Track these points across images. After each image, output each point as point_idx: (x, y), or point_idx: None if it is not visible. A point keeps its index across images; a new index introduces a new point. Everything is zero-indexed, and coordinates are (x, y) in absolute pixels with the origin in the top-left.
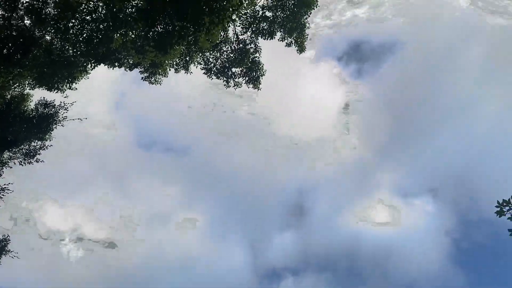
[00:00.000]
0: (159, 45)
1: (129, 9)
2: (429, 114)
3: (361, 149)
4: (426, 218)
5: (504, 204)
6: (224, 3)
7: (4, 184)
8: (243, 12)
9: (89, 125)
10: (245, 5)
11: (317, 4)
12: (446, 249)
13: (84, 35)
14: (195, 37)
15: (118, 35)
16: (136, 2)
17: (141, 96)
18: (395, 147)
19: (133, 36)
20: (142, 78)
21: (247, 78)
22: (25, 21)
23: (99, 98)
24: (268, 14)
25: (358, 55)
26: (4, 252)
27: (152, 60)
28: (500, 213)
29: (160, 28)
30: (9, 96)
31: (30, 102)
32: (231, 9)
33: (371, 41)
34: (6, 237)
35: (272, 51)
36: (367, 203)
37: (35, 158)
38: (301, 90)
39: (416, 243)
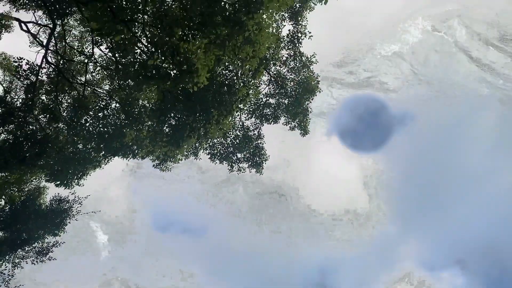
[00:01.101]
0: (171, 140)
1: (140, 108)
2: (447, 184)
3: (382, 221)
4: None
5: None
6: (232, 95)
7: (15, 286)
8: (248, 102)
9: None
10: (251, 96)
11: (320, 90)
12: None
13: (97, 131)
14: (206, 128)
15: (130, 130)
16: (146, 102)
17: (155, 177)
18: (417, 219)
19: (144, 131)
20: (154, 165)
21: (250, 163)
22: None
23: (115, 182)
24: (272, 101)
25: (368, 128)
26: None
27: (165, 152)
28: None
29: (172, 122)
30: (26, 189)
31: (46, 195)
32: (239, 100)
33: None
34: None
35: (279, 127)
36: (394, 279)
37: (48, 256)
38: (315, 165)
39: None
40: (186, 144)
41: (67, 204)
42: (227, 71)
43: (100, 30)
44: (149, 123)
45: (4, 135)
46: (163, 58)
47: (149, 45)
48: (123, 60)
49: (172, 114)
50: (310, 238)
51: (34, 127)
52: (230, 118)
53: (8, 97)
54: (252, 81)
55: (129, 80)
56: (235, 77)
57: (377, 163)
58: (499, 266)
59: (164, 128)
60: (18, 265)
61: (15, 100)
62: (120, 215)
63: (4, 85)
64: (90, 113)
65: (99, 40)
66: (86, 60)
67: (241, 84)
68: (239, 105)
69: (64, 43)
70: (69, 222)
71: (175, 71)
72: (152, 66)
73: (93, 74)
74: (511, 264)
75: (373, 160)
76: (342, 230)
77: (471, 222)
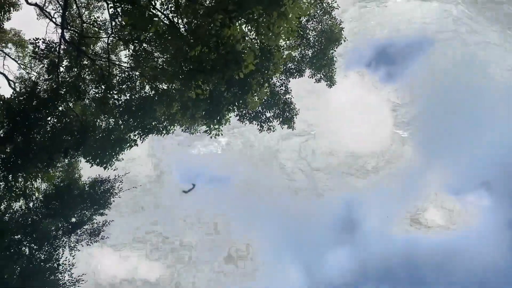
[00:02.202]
0: (207, 115)
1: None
2: (474, 108)
3: (408, 151)
4: (483, 213)
5: None
6: (268, 62)
7: (79, 276)
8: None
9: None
10: (286, 59)
11: (345, 38)
12: (509, 242)
13: (124, 106)
14: (244, 100)
15: (160, 105)
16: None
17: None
18: (443, 144)
19: (175, 107)
20: (182, 130)
21: (280, 119)
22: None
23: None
24: (295, 54)
25: (386, 59)
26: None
27: (204, 129)
28: None
29: (208, 98)
30: (70, 177)
31: (87, 179)
32: (275, 66)
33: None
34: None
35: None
36: (420, 207)
37: (100, 236)
38: (336, 102)
39: (477, 240)
40: (225, 118)
41: (109, 184)
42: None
43: (134, 25)
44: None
45: (38, 134)
46: (206, 49)
47: (188, 35)
48: (160, 54)
49: (206, 89)
50: (334, 175)
51: (70, 117)
52: (267, 86)
53: (32, 76)
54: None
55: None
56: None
57: (400, 93)
58: None
59: (200, 103)
60: (75, 249)
61: (39, 80)
62: (147, 175)
63: (19, 62)
64: (115, 87)
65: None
66: (104, 34)
67: (276, 49)
68: (278, 70)
69: (80, 20)
70: (113, 201)
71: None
72: (195, 58)
73: (110, 45)
74: None
75: (396, 90)
76: (366, 163)
77: (498, 145)
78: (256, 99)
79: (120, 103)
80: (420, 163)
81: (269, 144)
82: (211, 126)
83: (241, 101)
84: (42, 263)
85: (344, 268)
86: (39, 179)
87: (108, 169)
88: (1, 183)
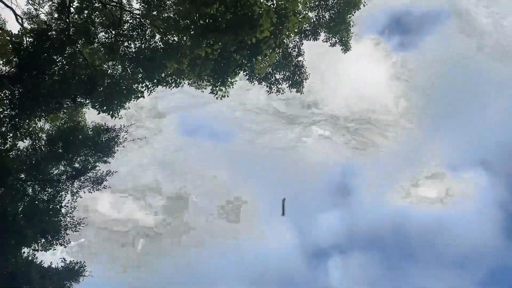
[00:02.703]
0: (215, 75)
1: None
2: (480, 85)
3: (409, 122)
4: (478, 191)
5: None
6: (282, 25)
7: (80, 219)
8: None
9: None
10: (302, 22)
11: (365, 3)
12: (500, 223)
13: (133, 53)
14: (253, 64)
15: (170, 60)
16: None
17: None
18: (444, 120)
19: (185, 63)
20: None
21: (290, 82)
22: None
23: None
24: (311, 15)
25: (399, 28)
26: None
27: (210, 89)
28: None
29: (217, 58)
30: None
31: (92, 124)
32: (290, 29)
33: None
34: (82, 263)
35: None
36: (416, 178)
37: (103, 184)
38: (343, 68)
39: (467, 217)
40: (231, 81)
41: (114, 133)
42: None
43: None
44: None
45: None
46: (223, 7)
47: None
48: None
49: (217, 48)
50: (332, 142)
51: (78, 61)
52: (279, 51)
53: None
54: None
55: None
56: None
57: (408, 63)
58: None
59: (208, 62)
60: (77, 195)
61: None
62: (148, 119)
63: None
64: (125, 34)
65: None
66: None
67: (292, 13)
68: (290, 35)
69: None
70: (117, 150)
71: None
72: (210, 16)
73: None
74: None
75: (404, 59)
76: (365, 132)
77: (501, 123)
78: (265, 64)
79: (130, 51)
80: (421, 137)
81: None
82: (216, 87)
83: (249, 65)
84: (45, 204)
85: (334, 231)
86: (43, 119)
87: (115, 117)
88: (8, 122)
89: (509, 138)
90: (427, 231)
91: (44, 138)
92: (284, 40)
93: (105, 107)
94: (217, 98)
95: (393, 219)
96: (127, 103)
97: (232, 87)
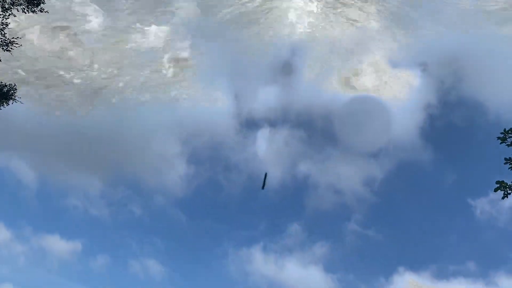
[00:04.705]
0: None
1: None
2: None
3: (370, 16)
4: (410, 90)
5: (510, 132)
6: None
7: (13, 38)
8: None
9: None
10: None
11: None
12: (421, 122)
13: None
14: None
15: None
16: None
17: None
18: (400, 18)
19: None
20: None
21: None
22: None
23: None
24: None
25: None
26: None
27: None
28: (502, 140)
29: None
30: None
31: None
32: None
33: None
34: (13, 86)
35: None
36: (357, 70)
37: (39, 7)
38: None
39: (393, 111)
40: None
41: None
42: None
43: None
44: None
45: None
46: None
47: None
48: None
49: None
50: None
51: None
52: None
53: None
54: None
55: None
56: None
57: None
58: (454, 76)
59: None
60: (10, 12)
61: None
62: None
63: None
64: None
65: None
66: None
67: None
68: None
69: None
70: None
71: None
72: None
73: None
74: (464, 77)
75: None
76: (315, 13)
77: (448, 32)
78: None
79: None
80: (375, 31)
81: None
82: None
83: None
84: None
85: (269, 105)
86: None
87: None
88: None
89: (452, 46)
90: (353, 119)
91: None
92: None
93: None
94: None
95: (326, 104)
96: None
97: None
